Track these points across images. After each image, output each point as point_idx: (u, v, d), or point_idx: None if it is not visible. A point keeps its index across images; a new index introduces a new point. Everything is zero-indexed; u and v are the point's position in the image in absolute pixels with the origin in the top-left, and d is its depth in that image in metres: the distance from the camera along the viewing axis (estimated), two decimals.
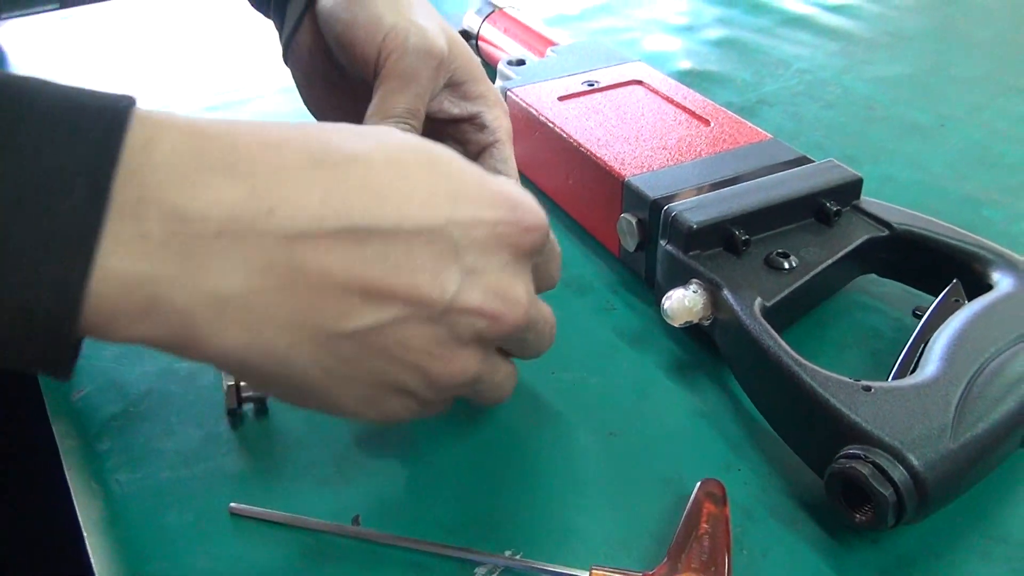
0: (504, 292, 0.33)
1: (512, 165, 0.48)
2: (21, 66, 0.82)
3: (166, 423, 0.42)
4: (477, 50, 0.76)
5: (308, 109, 0.52)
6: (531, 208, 0.34)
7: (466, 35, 0.76)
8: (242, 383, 0.41)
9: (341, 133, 0.31)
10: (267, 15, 0.53)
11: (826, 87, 0.74)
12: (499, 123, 0.48)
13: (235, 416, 0.42)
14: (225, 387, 0.41)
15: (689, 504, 0.36)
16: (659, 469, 0.39)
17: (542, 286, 0.37)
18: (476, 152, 0.48)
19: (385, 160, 0.30)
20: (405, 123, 0.43)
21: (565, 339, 0.46)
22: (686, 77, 0.75)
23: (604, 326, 0.48)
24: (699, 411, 0.43)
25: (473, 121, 0.48)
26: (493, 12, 0.75)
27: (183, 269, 0.26)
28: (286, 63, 0.51)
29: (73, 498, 0.39)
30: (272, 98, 0.73)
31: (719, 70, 0.77)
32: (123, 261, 0.25)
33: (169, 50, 0.84)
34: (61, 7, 0.96)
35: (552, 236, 0.37)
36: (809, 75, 0.76)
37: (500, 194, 0.33)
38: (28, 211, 0.24)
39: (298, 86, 0.51)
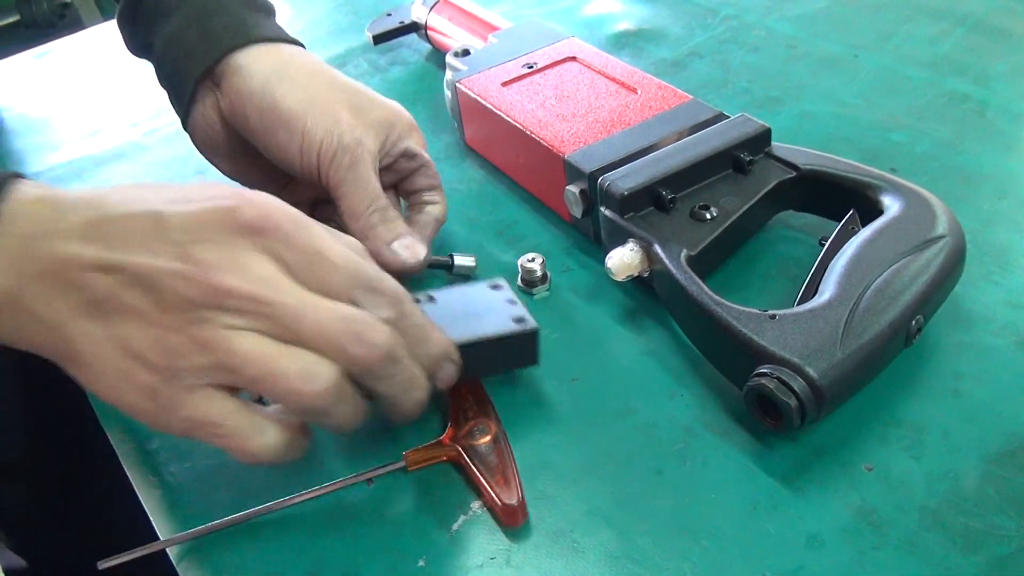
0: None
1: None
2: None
3: None
4: (428, 39, 0.82)
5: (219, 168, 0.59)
6: (254, 198, 0.38)
7: (416, 26, 0.82)
8: None
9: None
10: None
11: (751, 31, 0.80)
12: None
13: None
14: None
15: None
16: (613, 405, 0.47)
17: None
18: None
19: None
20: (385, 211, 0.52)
21: (531, 302, 0.54)
22: (624, 38, 0.82)
23: (563, 286, 0.56)
24: (647, 350, 0.50)
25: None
26: (438, 2, 0.81)
27: None
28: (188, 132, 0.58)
29: (135, 490, 0.47)
30: None
31: (652, 27, 0.83)
32: None
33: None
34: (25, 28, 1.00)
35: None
36: (735, 20, 0.82)
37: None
38: None
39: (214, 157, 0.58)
